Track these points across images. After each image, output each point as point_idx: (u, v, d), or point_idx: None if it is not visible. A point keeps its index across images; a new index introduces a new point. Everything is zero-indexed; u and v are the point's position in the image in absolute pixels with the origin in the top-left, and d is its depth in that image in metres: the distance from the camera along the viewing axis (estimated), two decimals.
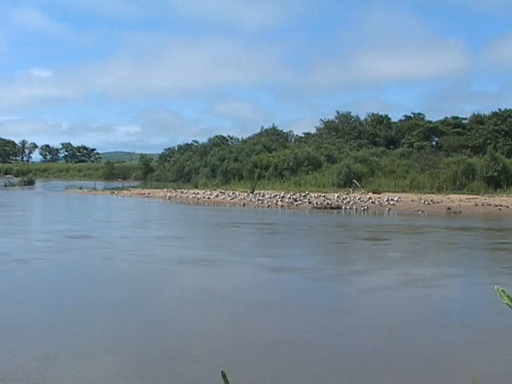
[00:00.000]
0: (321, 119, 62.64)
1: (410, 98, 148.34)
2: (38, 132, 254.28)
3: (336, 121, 60.95)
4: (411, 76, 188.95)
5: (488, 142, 45.83)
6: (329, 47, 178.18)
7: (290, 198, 31.61)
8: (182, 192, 37.98)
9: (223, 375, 1.67)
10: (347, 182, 36.49)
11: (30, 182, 53.67)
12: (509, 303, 1.53)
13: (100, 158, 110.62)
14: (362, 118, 59.51)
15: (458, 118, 55.16)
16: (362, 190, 33.85)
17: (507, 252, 15.20)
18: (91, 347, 6.78)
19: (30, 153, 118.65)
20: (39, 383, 5.64)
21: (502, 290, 1.55)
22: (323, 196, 31.65)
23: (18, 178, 60.30)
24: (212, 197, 34.67)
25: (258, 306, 8.95)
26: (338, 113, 61.52)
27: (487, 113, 51.64)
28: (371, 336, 7.39)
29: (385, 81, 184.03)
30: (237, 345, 6.97)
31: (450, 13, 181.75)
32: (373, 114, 58.68)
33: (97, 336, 7.21)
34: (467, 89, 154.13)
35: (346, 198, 30.24)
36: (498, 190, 32.66)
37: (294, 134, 61.43)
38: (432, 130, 53.40)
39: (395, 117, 60.32)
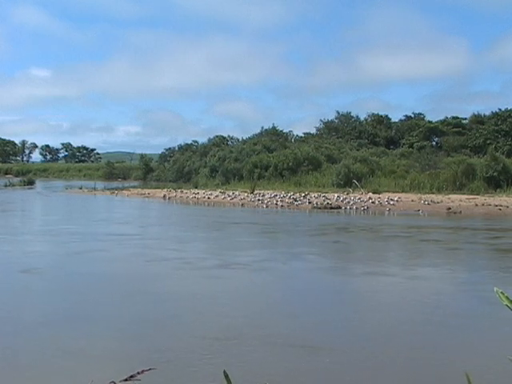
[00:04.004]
0: (320, 119, 62.62)
1: (412, 98, 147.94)
2: (38, 132, 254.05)
3: (336, 121, 60.90)
4: (413, 76, 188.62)
5: (488, 142, 45.79)
6: (330, 47, 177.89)
7: (289, 198, 31.60)
8: (182, 192, 37.98)
9: (225, 375, 1.67)
10: (347, 182, 36.47)
11: (30, 182, 53.64)
12: (508, 305, 1.54)
13: (100, 158, 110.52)
14: (362, 118, 59.55)
15: (458, 118, 55.15)
16: (362, 190, 33.84)
17: (507, 252, 15.20)
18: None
19: (30, 153, 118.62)
20: None
21: (501, 292, 1.55)
22: (323, 196, 31.66)
23: (18, 178, 60.29)
24: (212, 197, 34.66)
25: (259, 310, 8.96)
26: (338, 113, 61.54)
27: (487, 113, 51.71)
28: (371, 332, 7.41)
29: (386, 80, 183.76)
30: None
31: (453, 12, 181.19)
32: (373, 113, 58.70)
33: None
34: (469, 88, 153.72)
35: (345, 198, 30.24)
36: (498, 190, 32.63)
37: (294, 134, 61.36)
38: (432, 130, 53.37)
39: (397, 117, 60.38)
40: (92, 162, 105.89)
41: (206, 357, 6.48)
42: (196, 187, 42.44)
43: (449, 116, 55.66)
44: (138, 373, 2.08)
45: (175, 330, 7.65)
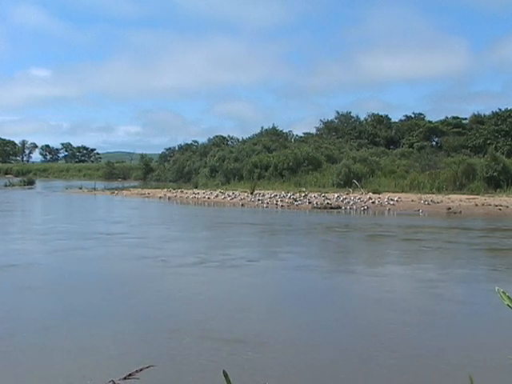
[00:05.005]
0: (320, 119, 62.62)
1: (412, 98, 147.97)
2: (38, 132, 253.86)
3: (336, 121, 60.89)
4: (413, 76, 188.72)
5: (488, 142, 45.80)
6: (330, 46, 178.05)
7: (289, 198, 31.60)
8: (182, 192, 37.98)
9: (225, 375, 1.66)
10: (347, 182, 36.48)
11: (30, 182, 53.64)
12: (510, 304, 1.53)
13: (100, 158, 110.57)
14: (362, 118, 59.56)
15: (458, 118, 55.18)
16: (362, 190, 33.84)
17: (507, 252, 15.19)
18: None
19: (30, 153, 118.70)
20: None
21: (503, 292, 1.55)
22: (323, 196, 31.65)
23: (18, 178, 60.29)
24: (212, 197, 34.65)
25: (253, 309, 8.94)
26: (337, 113, 61.56)
27: (488, 113, 51.71)
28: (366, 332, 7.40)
29: (386, 80, 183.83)
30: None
31: (453, 12, 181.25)
32: (373, 114, 58.71)
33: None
34: (469, 88, 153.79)
35: (345, 198, 30.23)
36: (498, 190, 32.63)
37: (294, 134, 61.38)
38: (432, 130, 53.39)
39: (397, 117, 60.41)
40: (92, 162, 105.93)
41: (202, 356, 6.48)
42: (196, 187, 42.44)
43: (449, 116, 55.79)
44: (137, 371, 2.07)
45: (166, 329, 7.64)
